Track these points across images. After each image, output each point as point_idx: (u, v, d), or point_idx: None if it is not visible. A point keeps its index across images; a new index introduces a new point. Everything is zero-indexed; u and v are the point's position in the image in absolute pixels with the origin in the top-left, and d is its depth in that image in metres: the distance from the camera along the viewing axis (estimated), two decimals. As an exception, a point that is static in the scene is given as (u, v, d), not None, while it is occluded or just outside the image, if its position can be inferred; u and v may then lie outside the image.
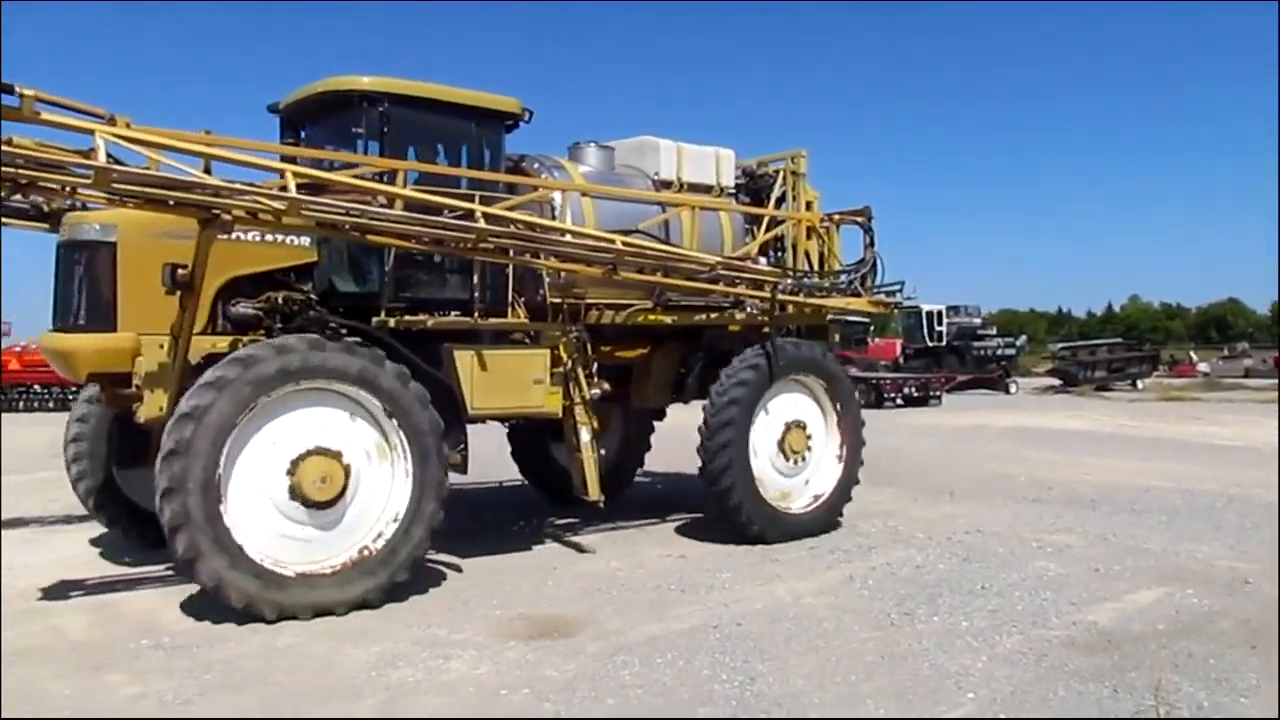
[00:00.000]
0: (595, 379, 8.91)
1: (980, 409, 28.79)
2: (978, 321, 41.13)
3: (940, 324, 39.38)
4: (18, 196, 7.29)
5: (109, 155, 6.03)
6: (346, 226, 7.04)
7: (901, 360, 39.21)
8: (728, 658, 5.91)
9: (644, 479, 12.69)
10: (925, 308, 38.93)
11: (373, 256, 7.98)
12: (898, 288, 10.85)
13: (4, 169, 5.92)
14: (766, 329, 9.72)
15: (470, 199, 7.54)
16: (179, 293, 7.02)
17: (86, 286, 7.33)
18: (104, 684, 5.50)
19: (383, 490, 7.22)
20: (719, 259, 9.07)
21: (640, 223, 9.08)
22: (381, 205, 7.33)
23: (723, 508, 9.20)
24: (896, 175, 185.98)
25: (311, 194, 6.99)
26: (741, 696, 5.30)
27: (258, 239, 7.55)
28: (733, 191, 10.52)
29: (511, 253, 7.95)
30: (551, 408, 8.54)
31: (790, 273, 10.22)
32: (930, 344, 39.11)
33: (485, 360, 8.03)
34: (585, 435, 8.73)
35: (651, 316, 9.56)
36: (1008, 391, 37.24)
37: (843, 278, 10.68)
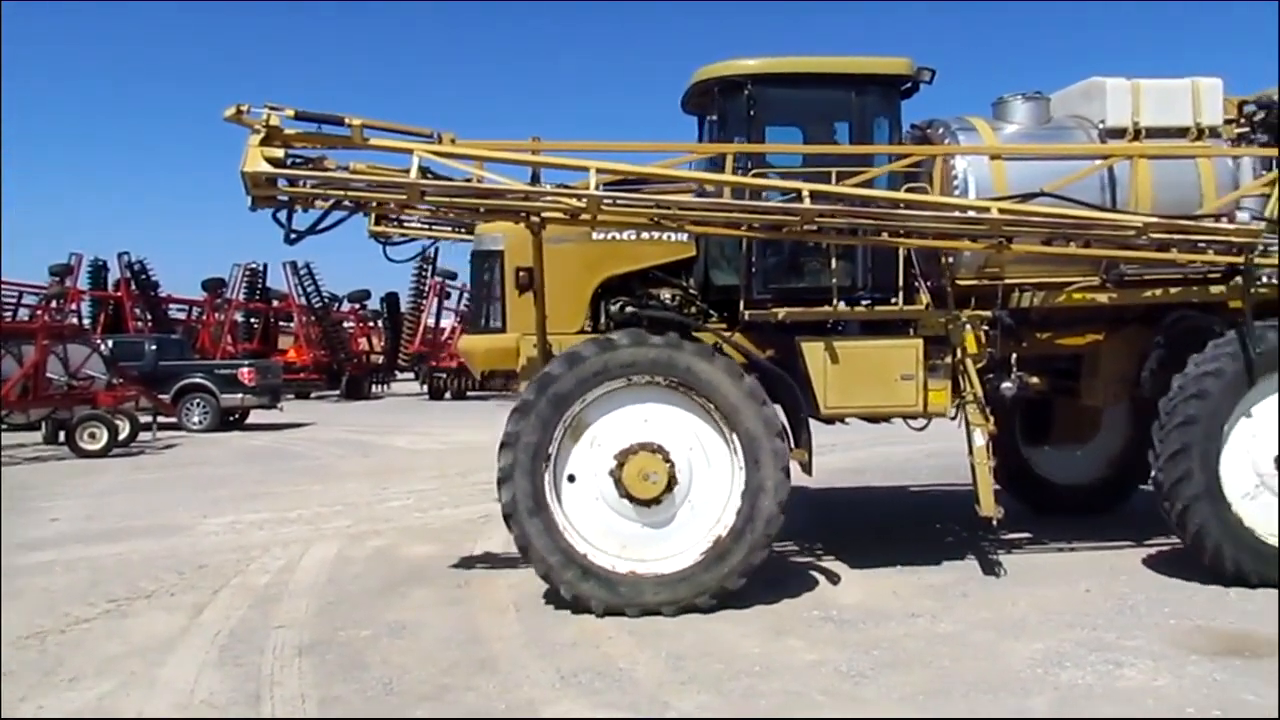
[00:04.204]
0: (1014, 371, 7.96)
1: None
2: None
3: None
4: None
5: (422, 171, 6.48)
6: (655, 219, 7.04)
7: None
8: None
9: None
10: None
11: (740, 248, 7.68)
12: None
13: (341, 192, 6.64)
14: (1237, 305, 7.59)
15: (826, 179, 7.05)
16: (527, 294, 7.40)
17: (482, 292, 7.98)
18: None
19: (718, 491, 6.97)
20: (1149, 219, 7.22)
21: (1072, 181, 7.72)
22: (712, 194, 7.19)
23: (1180, 534, 7.40)
24: None
25: (633, 189, 7.04)
26: None
27: (632, 237, 7.56)
28: (1222, 133, 8.28)
29: (862, 233, 7.24)
30: (930, 407, 7.60)
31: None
32: None
33: (838, 352, 7.38)
34: (978, 439, 7.60)
35: (1078, 295, 8.02)
36: None
37: None
